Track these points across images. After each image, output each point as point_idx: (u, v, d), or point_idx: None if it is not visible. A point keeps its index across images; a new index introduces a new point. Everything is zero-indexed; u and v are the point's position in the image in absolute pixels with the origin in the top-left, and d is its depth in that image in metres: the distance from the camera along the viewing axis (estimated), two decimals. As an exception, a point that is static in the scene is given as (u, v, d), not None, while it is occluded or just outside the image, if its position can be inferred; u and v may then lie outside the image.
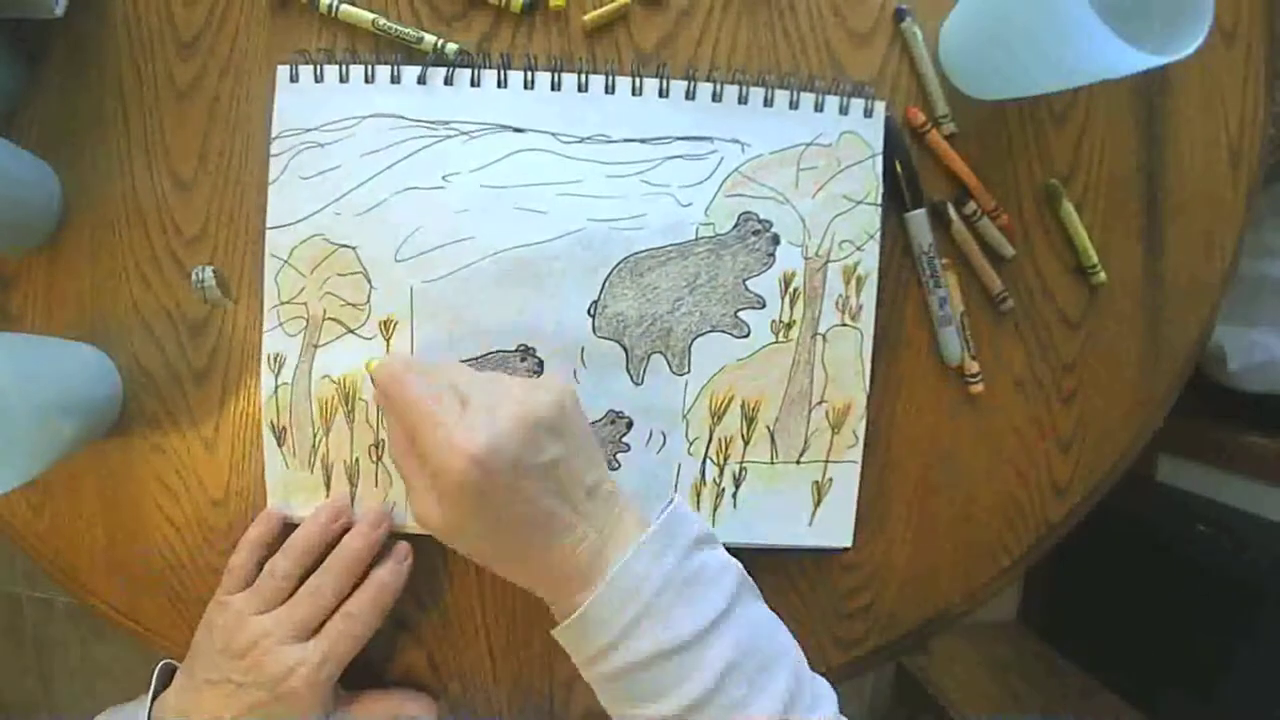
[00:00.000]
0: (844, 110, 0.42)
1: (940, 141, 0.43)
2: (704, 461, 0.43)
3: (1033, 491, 0.45)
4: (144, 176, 0.42)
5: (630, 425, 0.42)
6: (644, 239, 0.41)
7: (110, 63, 0.42)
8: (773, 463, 0.43)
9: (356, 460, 0.42)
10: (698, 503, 0.43)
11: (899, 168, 0.42)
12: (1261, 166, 0.45)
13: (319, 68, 0.41)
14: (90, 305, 0.43)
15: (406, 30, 0.41)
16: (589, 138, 0.42)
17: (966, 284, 0.44)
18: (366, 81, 0.41)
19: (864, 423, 0.43)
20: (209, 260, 0.42)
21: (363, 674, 0.42)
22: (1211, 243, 0.45)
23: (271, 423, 0.42)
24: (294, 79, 0.41)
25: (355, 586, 0.40)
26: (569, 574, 0.33)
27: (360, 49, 0.42)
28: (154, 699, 0.39)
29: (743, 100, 0.42)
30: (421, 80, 0.41)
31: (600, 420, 0.42)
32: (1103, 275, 0.44)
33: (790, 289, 0.42)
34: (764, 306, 0.42)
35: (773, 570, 0.44)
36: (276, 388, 0.42)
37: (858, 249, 0.42)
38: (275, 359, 0.42)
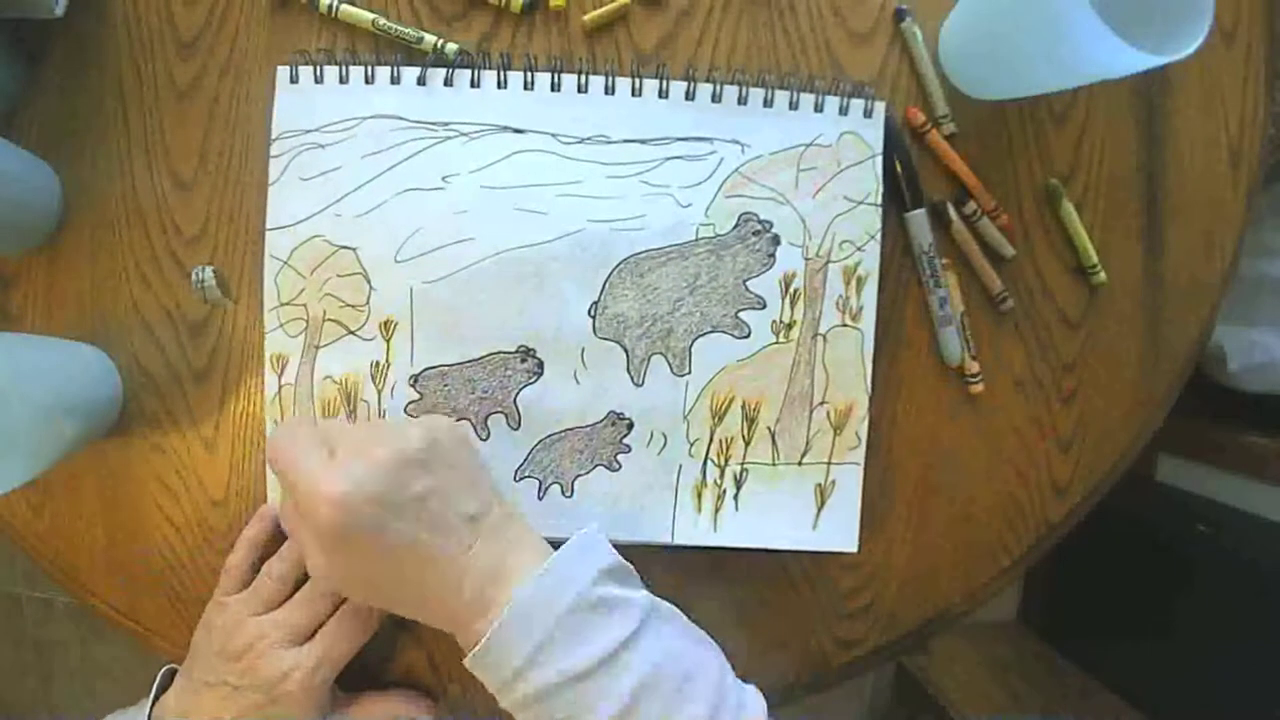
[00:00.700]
0: (844, 111, 0.42)
1: (940, 141, 0.43)
2: (705, 463, 0.43)
3: (1033, 491, 0.45)
4: (144, 176, 0.42)
5: (631, 426, 0.42)
6: (644, 240, 0.41)
7: (110, 63, 0.42)
8: (774, 464, 0.43)
9: (357, 460, 0.42)
10: (699, 504, 0.43)
11: (899, 167, 0.42)
12: (1261, 166, 0.45)
13: (319, 68, 0.41)
14: (90, 305, 0.43)
15: (406, 30, 0.41)
16: (589, 138, 0.42)
17: (966, 284, 0.44)
18: (366, 82, 0.41)
19: (866, 424, 0.43)
20: (209, 260, 0.42)
21: (361, 675, 0.42)
22: (1211, 243, 0.45)
23: (275, 423, 0.42)
24: (294, 80, 0.41)
25: None
26: (460, 606, 0.33)
27: (360, 49, 0.42)
28: (154, 703, 0.39)
29: (742, 101, 0.42)
30: (421, 81, 0.41)
31: (601, 422, 0.42)
32: (1103, 275, 0.44)
33: (791, 289, 0.42)
34: (764, 307, 0.42)
35: (773, 570, 0.44)
36: (280, 388, 0.42)
37: (858, 249, 0.42)
38: (278, 360, 0.42)
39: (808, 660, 0.45)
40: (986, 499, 0.45)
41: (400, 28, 0.41)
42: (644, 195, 0.42)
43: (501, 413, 0.42)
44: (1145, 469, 0.98)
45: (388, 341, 0.42)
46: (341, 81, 0.41)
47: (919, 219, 0.43)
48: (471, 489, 0.35)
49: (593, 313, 0.42)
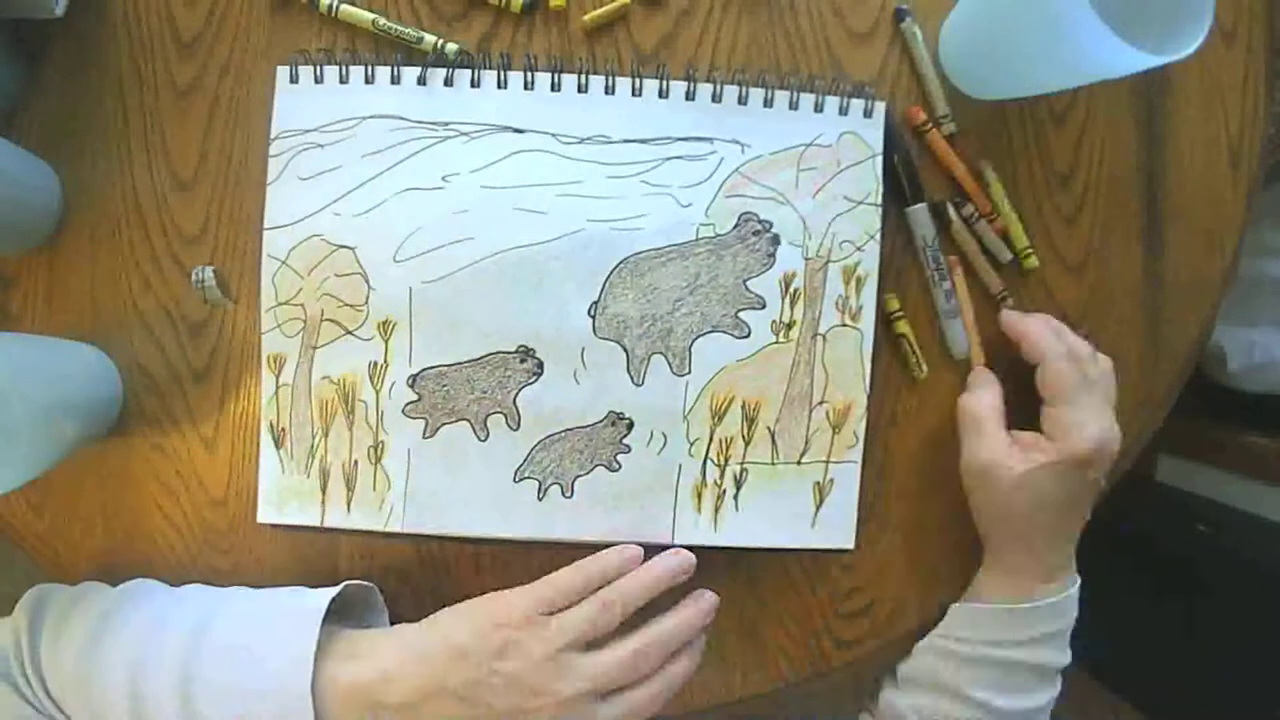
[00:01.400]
0: (844, 111, 0.42)
1: (940, 142, 0.43)
2: (705, 462, 0.43)
3: (1033, 492, 0.45)
4: (144, 176, 0.42)
5: (631, 426, 0.42)
6: (644, 239, 0.41)
7: (110, 63, 0.42)
8: (774, 463, 0.43)
9: (355, 462, 0.42)
10: (699, 504, 0.43)
11: (898, 164, 0.42)
12: (1261, 166, 0.45)
13: (319, 68, 0.41)
14: (90, 305, 0.43)
15: (406, 30, 0.41)
16: (589, 138, 0.42)
17: (967, 284, 0.44)
18: (366, 82, 0.41)
19: (864, 423, 0.43)
20: (209, 260, 0.42)
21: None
22: (1211, 242, 0.45)
23: (271, 424, 0.42)
24: (294, 79, 0.41)
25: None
26: None
27: (360, 49, 0.42)
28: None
29: (742, 101, 0.42)
30: (421, 81, 0.41)
31: (600, 421, 0.42)
32: (1035, 260, 0.44)
33: (790, 289, 0.42)
34: (764, 307, 0.42)
35: (773, 570, 0.44)
36: (277, 388, 0.42)
37: (858, 249, 0.42)
38: (275, 360, 0.42)
39: (808, 660, 0.45)
40: (986, 499, 0.45)
41: (400, 28, 0.41)
42: (644, 195, 0.42)
43: (501, 413, 0.42)
44: (1145, 469, 0.98)
45: (386, 341, 0.42)
46: (341, 81, 0.41)
47: (920, 213, 0.43)
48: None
49: (593, 313, 0.42)
